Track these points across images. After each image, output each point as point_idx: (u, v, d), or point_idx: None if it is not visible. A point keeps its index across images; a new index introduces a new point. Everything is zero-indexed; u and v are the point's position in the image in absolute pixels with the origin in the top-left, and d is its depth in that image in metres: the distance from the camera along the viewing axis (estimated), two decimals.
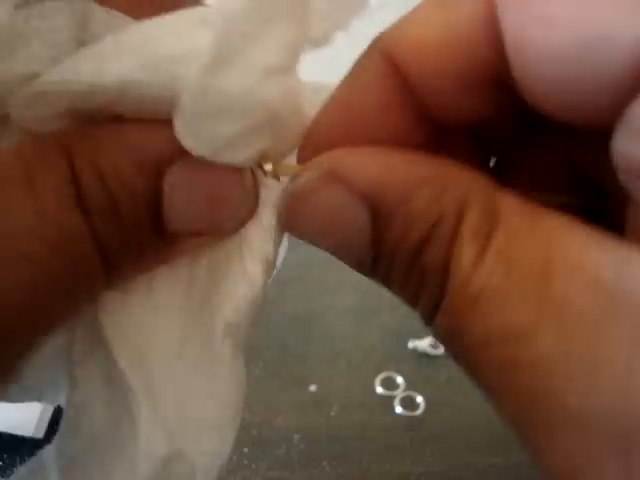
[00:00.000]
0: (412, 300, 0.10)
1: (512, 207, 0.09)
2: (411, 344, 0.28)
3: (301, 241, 0.11)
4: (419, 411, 0.25)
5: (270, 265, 0.11)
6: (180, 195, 0.09)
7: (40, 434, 0.23)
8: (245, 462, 0.22)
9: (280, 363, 0.27)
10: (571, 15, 0.09)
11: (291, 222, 0.10)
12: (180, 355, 0.11)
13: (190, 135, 0.09)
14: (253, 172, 0.11)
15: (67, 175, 0.09)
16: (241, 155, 0.10)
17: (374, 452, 0.23)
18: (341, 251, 0.10)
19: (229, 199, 0.10)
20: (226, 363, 0.12)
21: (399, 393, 0.26)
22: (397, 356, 0.28)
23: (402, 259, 0.09)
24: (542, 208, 0.09)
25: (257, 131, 0.10)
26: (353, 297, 0.31)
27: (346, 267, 0.35)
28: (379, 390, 0.26)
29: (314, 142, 0.11)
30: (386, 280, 0.10)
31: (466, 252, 0.09)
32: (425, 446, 0.23)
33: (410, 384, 0.26)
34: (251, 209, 0.10)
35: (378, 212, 0.09)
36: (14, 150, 0.09)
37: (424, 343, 0.28)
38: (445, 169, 0.10)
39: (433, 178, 0.09)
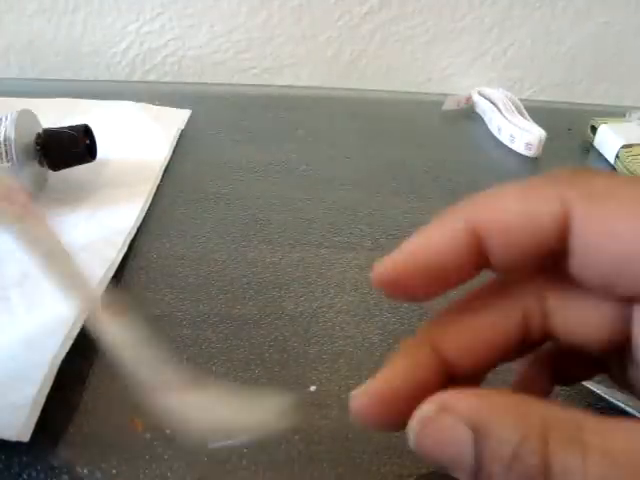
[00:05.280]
0: None
1: (593, 421, 0.13)
2: None
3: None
4: None
5: None
6: None
7: None
8: (244, 463, 0.22)
9: (280, 363, 0.27)
10: (635, 236, 0.13)
11: (418, 442, 0.15)
12: None
13: None
14: None
15: None
16: None
17: (374, 452, 0.23)
18: (451, 462, 0.14)
19: None
20: None
21: None
22: None
23: (499, 469, 0.13)
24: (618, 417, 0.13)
25: None
26: (353, 297, 0.31)
27: (346, 267, 0.36)
28: None
29: (391, 273, 0.16)
30: None
31: (567, 457, 0.12)
32: None
33: None
34: None
35: (477, 431, 0.13)
36: None
37: None
38: (524, 401, 0.14)
39: (514, 408, 0.13)
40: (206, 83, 0.59)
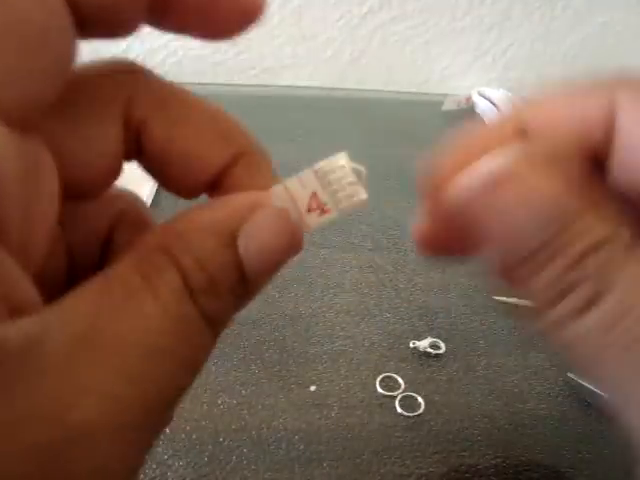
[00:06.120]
0: (556, 297, 0.12)
1: None
2: (411, 344, 0.28)
3: None
4: (419, 411, 0.25)
5: None
6: (253, 255, 0.11)
7: None
8: (244, 463, 0.22)
9: (280, 363, 0.27)
10: None
11: (485, 191, 0.12)
12: None
13: None
14: None
15: (176, 273, 0.11)
16: None
17: (374, 452, 0.23)
18: (514, 229, 0.12)
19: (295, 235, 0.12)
20: None
21: (399, 393, 0.25)
22: (397, 356, 0.27)
23: (566, 261, 0.12)
24: None
25: None
26: (353, 297, 0.31)
27: (346, 267, 0.35)
28: (379, 390, 0.26)
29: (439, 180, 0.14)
30: (527, 276, 0.12)
31: (633, 265, 0.11)
32: (425, 447, 0.23)
33: (410, 384, 0.26)
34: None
35: (566, 213, 0.12)
36: (129, 268, 0.11)
37: (424, 343, 0.28)
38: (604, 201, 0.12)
39: (599, 205, 0.12)
40: (206, 83, 0.59)
